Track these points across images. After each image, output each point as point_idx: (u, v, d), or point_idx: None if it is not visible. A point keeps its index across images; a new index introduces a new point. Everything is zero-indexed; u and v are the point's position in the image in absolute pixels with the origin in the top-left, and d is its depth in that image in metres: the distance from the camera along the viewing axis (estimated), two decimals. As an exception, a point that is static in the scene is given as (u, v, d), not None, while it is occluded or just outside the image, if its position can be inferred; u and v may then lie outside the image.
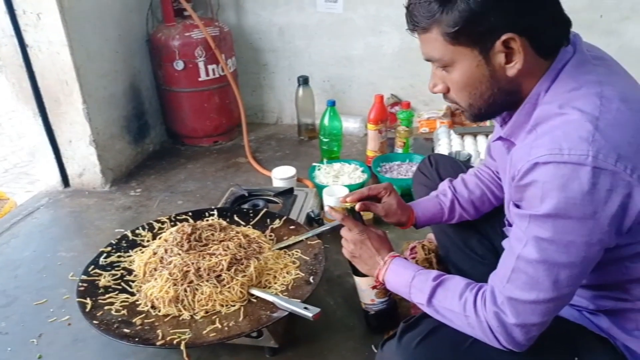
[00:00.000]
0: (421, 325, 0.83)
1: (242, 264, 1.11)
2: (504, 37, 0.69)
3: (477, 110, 0.79)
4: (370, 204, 1.08)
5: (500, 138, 0.83)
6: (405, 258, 0.98)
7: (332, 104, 1.95)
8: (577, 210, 0.64)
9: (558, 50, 0.74)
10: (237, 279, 1.07)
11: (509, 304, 0.72)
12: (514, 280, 0.72)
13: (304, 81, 2.20)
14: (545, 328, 0.74)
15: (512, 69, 0.72)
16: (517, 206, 0.73)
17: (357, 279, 1.11)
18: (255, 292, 1.07)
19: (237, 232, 1.21)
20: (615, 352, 0.78)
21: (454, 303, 0.79)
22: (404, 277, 0.88)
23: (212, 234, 1.19)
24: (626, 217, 0.66)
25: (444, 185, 1.13)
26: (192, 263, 1.08)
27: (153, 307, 1.06)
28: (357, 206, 1.05)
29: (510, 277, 0.72)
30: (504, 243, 0.83)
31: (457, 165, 1.25)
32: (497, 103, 0.77)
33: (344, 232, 1.02)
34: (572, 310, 0.83)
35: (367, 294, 1.12)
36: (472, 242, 1.15)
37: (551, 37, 0.73)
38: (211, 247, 1.14)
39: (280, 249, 1.23)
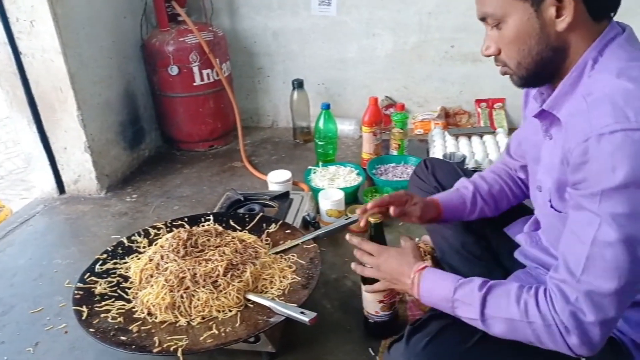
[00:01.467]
0: (428, 327, 0.83)
1: (238, 269, 1.11)
2: None
3: (524, 70, 0.78)
4: (405, 211, 1.05)
5: (541, 112, 0.80)
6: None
7: (326, 107, 1.95)
8: None
9: (609, 15, 0.74)
10: (234, 285, 1.07)
11: (587, 299, 0.67)
12: (591, 269, 0.66)
13: (298, 84, 2.20)
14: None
15: (562, 23, 0.71)
16: (578, 188, 0.68)
17: (364, 291, 1.11)
18: (252, 297, 1.07)
19: (233, 238, 1.21)
20: (621, 349, 0.78)
21: (511, 311, 0.73)
22: (443, 292, 0.81)
23: (208, 240, 1.19)
24: None
25: (463, 180, 1.11)
26: (189, 269, 1.08)
27: (149, 314, 1.06)
28: (392, 211, 1.00)
29: (585, 267, 0.67)
30: (563, 235, 0.74)
31: (453, 169, 1.25)
32: (544, 62, 0.76)
33: (361, 255, 0.98)
34: None
35: (372, 305, 1.12)
36: (468, 242, 1.15)
37: None
38: (207, 252, 1.14)
39: (276, 253, 1.23)
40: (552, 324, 0.69)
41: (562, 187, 0.77)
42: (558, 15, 0.72)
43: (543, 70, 0.77)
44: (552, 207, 0.82)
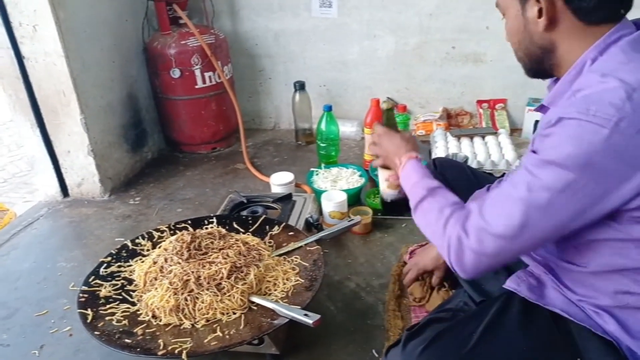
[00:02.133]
0: (425, 332, 0.83)
1: (242, 272, 1.11)
2: None
3: (522, 62, 0.85)
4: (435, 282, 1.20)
5: (541, 107, 0.84)
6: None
7: (328, 108, 1.95)
8: (580, 166, 0.66)
9: (605, 20, 0.74)
10: (238, 287, 1.07)
11: (475, 230, 0.75)
12: (492, 209, 0.75)
13: (300, 86, 2.20)
14: (493, 269, 0.80)
15: (540, 24, 0.76)
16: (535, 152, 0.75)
17: (379, 169, 1.20)
18: (256, 299, 1.07)
19: (237, 240, 1.21)
20: (619, 356, 0.78)
21: (433, 211, 0.85)
22: (411, 180, 0.95)
23: (212, 242, 1.19)
24: (619, 191, 0.67)
25: (483, 194, 1.10)
26: (192, 272, 1.09)
27: (154, 316, 1.06)
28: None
29: (490, 206, 0.76)
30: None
31: (462, 168, 1.26)
32: (533, 58, 0.82)
33: (374, 133, 1.12)
34: (576, 310, 0.82)
35: (383, 184, 1.22)
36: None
37: (592, 3, 0.73)
38: (211, 255, 1.15)
39: (280, 255, 1.23)
40: (445, 235, 0.79)
41: None
42: (539, 16, 0.76)
43: (535, 64, 0.83)
44: None
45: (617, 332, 0.78)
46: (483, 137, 2.05)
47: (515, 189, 0.73)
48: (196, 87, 2.11)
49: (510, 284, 0.89)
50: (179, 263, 1.12)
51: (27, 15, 1.68)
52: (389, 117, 1.24)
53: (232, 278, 1.09)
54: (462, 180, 1.20)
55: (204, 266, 1.11)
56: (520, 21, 0.79)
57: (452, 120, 2.32)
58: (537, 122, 1.56)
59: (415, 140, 1.10)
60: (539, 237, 0.73)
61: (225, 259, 1.13)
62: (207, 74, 2.11)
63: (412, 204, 0.91)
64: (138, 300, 1.12)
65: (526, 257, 0.96)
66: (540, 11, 0.75)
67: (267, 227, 1.35)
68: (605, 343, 0.78)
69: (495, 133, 2.09)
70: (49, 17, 1.67)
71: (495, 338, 0.80)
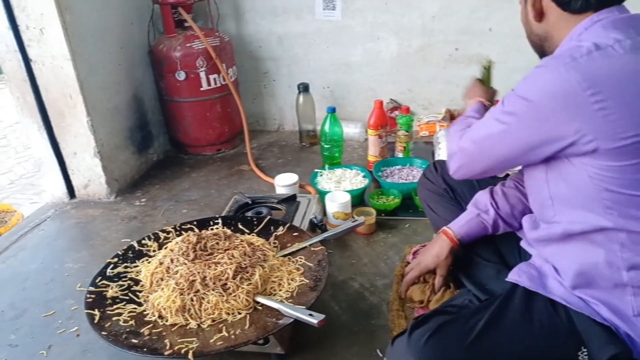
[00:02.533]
0: (430, 322, 0.85)
1: (247, 272, 1.12)
2: None
3: (533, 47, 0.95)
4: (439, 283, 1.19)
5: None
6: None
7: (332, 110, 1.97)
8: (530, 98, 0.77)
9: (587, 9, 0.81)
10: (243, 287, 1.08)
11: (469, 139, 0.92)
12: (475, 128, 0.92)
13: (304, 88, 2.22)
14: (462, 177, 0.97)
15: (530, 14, 0.88)
16: None
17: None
18: (261, 299, 1.09)
19: (242, 241, 1.23)
20: (620, 342, 0.79)
21: (457, 129, 1.01)
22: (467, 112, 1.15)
23: (217, 243, 1.21)
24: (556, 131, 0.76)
25: (484, 199, 1.11)
26: (198, 272, 1.10)
27: (160, 317, 1.07)
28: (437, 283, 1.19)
29: (477, 125, 0.93)
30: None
31: None
32: (538, 43, 0.92)
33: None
34: (575, 299, 0.84)
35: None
36: (478, 246, 1.16)
37: None
38: (216, 256, 1.16)
39: (284, 256, 1.24)
40: (455, 142, 0.97)
41: None
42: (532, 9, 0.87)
43: (540, 49, 0.92)
44: None
45: (613, 319, 0.80)
46: (486, 138, 2.05)
47: (490, 112, 0.90)
48: (201, 89, 2.13)
49: (512, 276, 0.91)
50: (185, 264, 1.13)
51: (34, 18, 1.70)
52: (488, 73, 1.34)
53: (238, 278, 1.10)
54: (462, 183, 1.21)
55: (210, 267, 1.12)
56: (524, 14, 0.91)
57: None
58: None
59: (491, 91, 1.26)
60: (493, 152, 0.87)
61: (230, 259, 1.14)
62: (212, 77, 2.13)
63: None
64: (144, 301, 1.14)
65: (528, 246, 0.98)
66: (533, 5, 0.86)
67: (272, 227, 1.36)
68: (606, 330, 0.80)
69: (498, 134, 2.09)
70: (55, 21, 1.69)
71: (498, 327, 0.82)
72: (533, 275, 0.89)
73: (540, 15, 0.87)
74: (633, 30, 0.77)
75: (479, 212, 1.10)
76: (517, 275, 0.91)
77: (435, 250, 1.15)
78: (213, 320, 1.05)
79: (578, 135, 0.74)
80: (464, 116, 1.12)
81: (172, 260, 1.17)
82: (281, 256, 1.24)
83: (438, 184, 1.26)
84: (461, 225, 1.12)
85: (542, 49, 0.92)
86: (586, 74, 0.72)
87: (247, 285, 1.09)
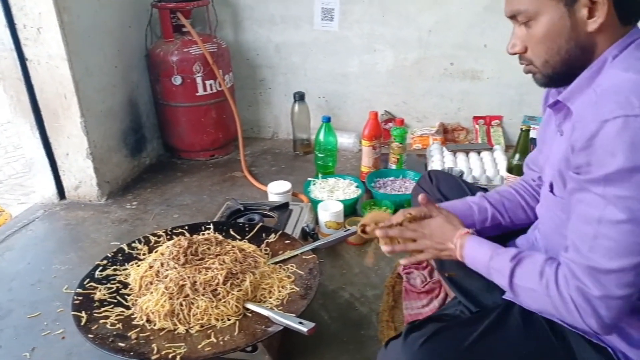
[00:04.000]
0: (426, 327, 0.84)
1: (237, 278, 1.12)
2: None
3: (550, 69, 0.80)
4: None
5: (556, 102, 0.83)
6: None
7: (327, 120, 1.98)
8: None
9: (636, 19, 0.76)
10: (233, 294, 1.08)
11: (590, 275, 0.70)
12: (597, 247, 0.70)
13: (299, 97, 2.23)
14: (630, 304, 0.71)
15: (594, 24, 0.74)
16: (579, 173, 0.72)
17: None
18: (251, 306, 1.08)
19: (233, 247, 1.22)
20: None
21: (534, 281, 0.78)
22: (482, 259, 0.88)
23: (208, 248, 1.20)
24: None
25: (478, 196, 1.11)
26: (189, 277, 1.09)
27: (148, 320, 1.06)
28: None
29: (591, 246, 0.70)
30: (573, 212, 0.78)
31: (456, 182, 1.27)
32: (571, 61, 0.78)
33: (401, 232, 0.98)
34: None
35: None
36: None
37: (633, 1, 0.75)
38: (207, 261, 1.15)
39: (275, 263, 1.24)
40: (567, 297, 0.73)
41: (564, 175, 0.80)
42: (590, 16, 0.74)
43: (569, 69, 0.79)
44: (552, 192, 0.86)
45: (613, 339, 0.79)
46: (479, 153, 2.07)
47: (607, 216, 0.68)
48: (197, 94, 2.13)
49: (508, 294, 0.90)
50: (175, 268, 1.13)
51: (32, 18, 1.69)
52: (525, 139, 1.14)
53: (228, 284, 1.09)
54: (456, 194, 1.22)
55: (200, 272, 1.11)
56: (565, 24, 0.76)
57: (448, 135, 2.35)
58: (533, 139, 1.56)
59: (454, 215, 1.00)
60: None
61: (221, 265, 1.13)
62: (208, 82, 2.13)
63: (502, 281, 0.84)
64: (133, 304, 1.12)
65: None
66: (590, 11, 0.74)
67: (264, 234, 1.36)
68: (600, 350, 0.79)
69: (490, 149, 2.12)
70: (53, 21, 1.68)
71: (494, 336, 0.82)
72: None
73: (603, 23, 0.74)
74: None
75: (467, 199, 1.11)
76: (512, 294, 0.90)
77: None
78: (202, 326, 1.04)
79: None
80: (483, 264, 0.88)
81: (162, 264, 1.16)
82: (272, 263, 1.23)
83: (433, 194, 1.25)
84: (448, 202, 1.11)
85: (572, 67, 0.78)
86: None
87: (237, 291, 1.08)
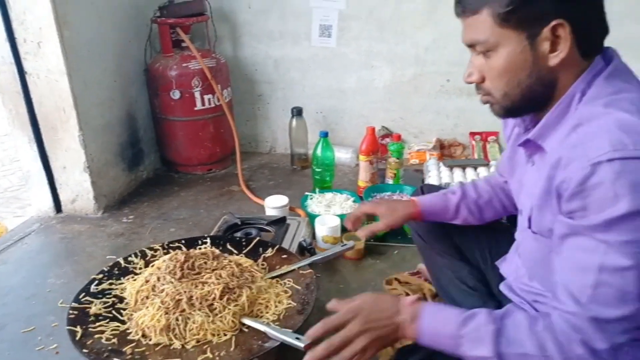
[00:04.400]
0: (420, 351, 0.82)
1: (234, 293, 1.11)
2: (554, 23, 0.70)
3: (510, 101, 0.78)
4: (373, 227, 1.14)
5: (527, 141, 0.81)
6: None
7: (325, 135, 1.99)
8: None
9: (597, 52, 0.75)
10: (230, 309, 1.07)
11: (594, 327, 0.66)
12: (598, 296, 0.66)
13: (297, 112, 2.24)
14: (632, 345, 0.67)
15: (555, 58, 0.72)
16: (573, 218, 0.68)
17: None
18: (247, 321, 1.07)
19: (230, 261, 1.22)
20: None
21: (526, 346, 0.69)
22: (447, 328, 0.74)
23: (205, 262, 1.19)
24: None
25: (453, 186, 1.15)
26: (185, 291, 1.09)
27: (144, 335, 1.05)
28: (360, 233, 1.13)
29: (593, 295, 0.66)
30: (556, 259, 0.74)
31: None
32: (531, 95, 0.76)
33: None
34: None
35: None
36: (462, 273, 1.16)
37: (594, 36, 0.74)
38: (204, 275, 1.15)
39: (273, 278, 1.24)
40: (571, 356, 0.67)
41: (542, 214, 0.78)
42: (552, 50, 0.73)
43: (529, 102, 0.78)
44: (530, 228, 0.84)
45: None
46: (475, 168, 2.09)
47: (609, 262, 0.64)
48: (195, 108, 2.14)
49: None
50: (172, 282, 1.12)
51: (33, 32, 1.71)
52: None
53: (225, 299, 1.09)
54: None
55: (197, 286, 1.11)
56: (527, 57, 0.73)
57: (445, 151, 2.36)
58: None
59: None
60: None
61: (218, 279, 1.13)
62: (206, 97, 2.15)
63: (482, 351, 0.71)
64: (128, 319, 1.12)
65: (510, 292, 0.96)
66: (552, 45, 0.72)
67: (261, 249, 1.36)
68: None
69: (487, 165, 2.13)
70: (54, 35, 1.70)
71: None
72: None
73: (565, 58, 0.72)
74: (632, 80, 0.74)
75: (447, 192, 1.14)
76: None
77: (396, 202, 1.15)
78: (198, 341, 1.03)
79: None
80: (448, 336, 0.74)
81: (158, 279, 1.15)
82: (269, 278, 1.23)
83: None
84: (427, 197, 1.15)
85: (532, 101, 0.77)
86: None
87: (234, 306, 1.08)
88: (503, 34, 0.73)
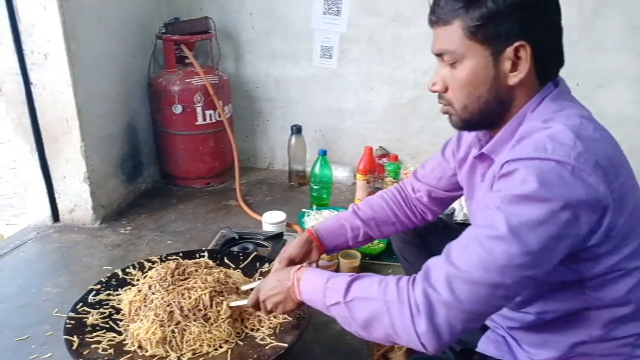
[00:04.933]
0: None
1: (222, 296, 1.12)
2: (517, 44, 0.75)
3: (468, 114, 0.82)
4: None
5: (481, 155, 0.87)
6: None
7: (323, 153, 2.02)
8: (553, 199, 0.66)
9: (551, 77, 0.81)
10: (222, 317, 1.08)
11: (445, 280, 0.68)
12: (465, 254, 0.70)
13: (296, 130, 2.28)
14: (468, 331, 0.69)
15: (514, 78, 0.77)
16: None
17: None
18: (234, 303, 1.10)
19: (220, 271, 1.22)
20: None
21: (372, 289, 0.75)
22: (317, 283, 0.84)
23: (196, 270, 1.20)
24: (583, 228, 0.69)
25: (350, 209, 1.18)
26: (175, 302, 1.09)
27: (140, 347, 1.06)
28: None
29: (462, 252, 0.70)
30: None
31: (434, 221, 1.26)
32: (488, 110, 0.81)
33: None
34: None
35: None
36: None
37: (552, 61, 0.80)
38: (190, 280, 1.15)
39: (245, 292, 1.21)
40: (405, 300, 0.70)
41: None
42: (512, 70, 0.77)
43: (485, 118, 0.82)
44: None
45: None
46: (470, 191, 2.12)
47: (489, 229, 0.69)
48: (196, 123, 2.18)
49: (481, 346, 0.93)
50: (159, 292, 1.12)
51: (40, 44, 1.74)
52: None
53: (214, 305, 1.09)
54: (434, 235, 1.23)
55: (184, 294, 1.10)
56: (489, 73, 0.78)
57: (440, 172, 2.40)
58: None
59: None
60: (521, 280, 0.68)
61: (204, 283, 1.14)
62: (207, 112, 2.18)
63: (336, 297, 0.79)
64: (125, 330, 1.12)
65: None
66: (513, 65, 0.77)
67: (258, 264, 1.37)
68: None
69: (481, 187, 2.16)
70: (61, 48, 1.73)
71: None
72: (499, 342, 0.92)
73: (523, 79, 0.78)
74: (575, 102, 0.81)
75: (339, 214, 1.19)
76: (485, 345, 0.93)
77: (297, 240, 1.14)
78: (193, 353, 1.04)
79: None
80: (319, 287, 0.84)
81: (150, 287, 1.16)
82: (245, 288, 1.19)
83: (409, 233, 1.27)
84: (322, 222, 1.18)
85: (488, 117, 0.82)
86: (590, 157, 0.70)
87: (224, 313, 1.09)
88: (470, 47, 0.77)
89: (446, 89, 0.83)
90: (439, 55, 0.82)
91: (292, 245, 1.12)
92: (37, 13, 1.70)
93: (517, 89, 0.79)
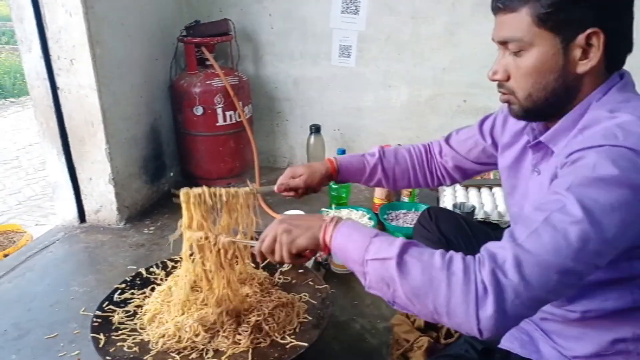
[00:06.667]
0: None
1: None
2: (590, 30, 0.72)
3: (532, 103, 0.78)
4: (292, 183, 1.20)
5: (537, 144, 0.83)
6: None
7: (342, 152, 2.02)
8: (629, 185, 0.63)
9: (619, 67, 0.78)
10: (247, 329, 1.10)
11: (515, 263, 0.62)
12: (537, 236, 0.63)
13: (315, 129, 2.29)
14: (528, 316, 0.64)
15: (584, 66, 0.74)
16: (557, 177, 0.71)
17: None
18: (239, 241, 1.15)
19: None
20: None
21: (435, 257, 0.66)
22: (363, 232, 0.74)
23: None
24: None
25: (375, 148, 1.20)
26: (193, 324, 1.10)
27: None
28: (276, 188, 1.19)
29: (533, 233, 0.63)
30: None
31: (456, 218, 1.28)
32: (554, 99, 0.77)
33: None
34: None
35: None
36: None
37: (622, 49, 0.77)
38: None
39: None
40: (472, 279, 0.62)
41: None
42: (582, 58, 0.74)
43: (549, 107, 0.79)
44: None
45: None
46: (490, 188, 2.10)
47: (562, 214, 0.63)
48: (217, 124, 2.21)
49: (504, 342, 0.90)
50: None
51: (66, 50, 1.80)
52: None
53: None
54: (457, 234, 1.22)
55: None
56: (558, 61, 0.74)
57: (461, 171, 2.37)
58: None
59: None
60: (589, 269, 0.64)
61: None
62: (228, 113, 2.21)
63: (388, 252, 0.68)
64: (142, 329, 1.15)
65: None
66: (584, 53, 0.74)
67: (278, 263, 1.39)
68: None
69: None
70: (86, 53, 1.78)
71: None
72: (525, 341, 0.89)
73: (593, 68, 0.75)
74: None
75: (365, 154, 1.20)
76: (509, 342, 0.90)
77: (314, 163, 1.18)
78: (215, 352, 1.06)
79: None
80: (363, 241, 0.73)
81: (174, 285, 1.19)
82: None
83: (432, 231, 1.26)
84: (345, 156, 1.21)
85: (553, 106, 0.78)
86: None
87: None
88: (539, 35, 0.74)
89: (508, 78, 0.80)
90: (502, 43, 0.79)
91: (309, 167, 1.15)
92: (64, 20, 1.75)
93: (585, 77, 0.76)
